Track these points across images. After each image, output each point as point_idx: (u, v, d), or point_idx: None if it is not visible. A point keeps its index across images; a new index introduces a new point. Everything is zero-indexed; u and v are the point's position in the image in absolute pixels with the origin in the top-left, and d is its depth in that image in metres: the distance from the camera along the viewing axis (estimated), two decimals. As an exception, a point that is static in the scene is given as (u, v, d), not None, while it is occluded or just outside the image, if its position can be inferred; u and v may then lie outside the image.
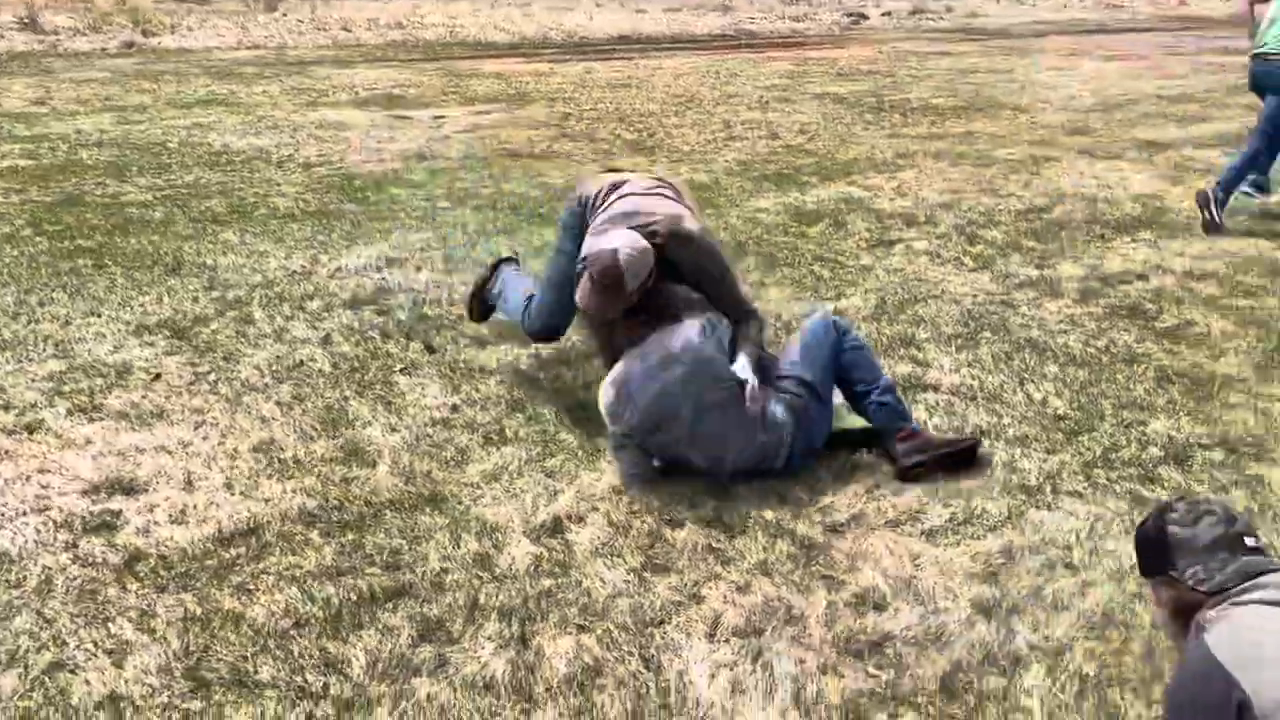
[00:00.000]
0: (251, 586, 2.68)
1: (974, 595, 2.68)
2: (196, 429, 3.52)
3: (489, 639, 2.50)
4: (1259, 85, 6.20)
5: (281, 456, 3.33)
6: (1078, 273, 5.25)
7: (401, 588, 2.68)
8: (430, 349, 4.17)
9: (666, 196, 3.51)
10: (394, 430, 3.51)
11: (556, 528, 2.96)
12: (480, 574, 2.75)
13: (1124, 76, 13.34)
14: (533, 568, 2.78)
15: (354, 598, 2.63)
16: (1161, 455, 3.39)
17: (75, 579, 2.70)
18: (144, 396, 3.74)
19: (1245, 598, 1.86)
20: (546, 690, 2.35)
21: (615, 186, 3.52)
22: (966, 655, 2.46)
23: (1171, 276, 5.22)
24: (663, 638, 2.52)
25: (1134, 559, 2.16)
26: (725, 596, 2.67)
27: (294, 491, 3.12)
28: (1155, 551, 2.01)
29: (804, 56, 15.47)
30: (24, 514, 2.99)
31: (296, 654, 2.44)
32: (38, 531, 2.90)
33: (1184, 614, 1.94)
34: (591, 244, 3.29)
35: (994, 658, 2.45)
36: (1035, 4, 25.56)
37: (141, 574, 2.72)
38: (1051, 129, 9.47)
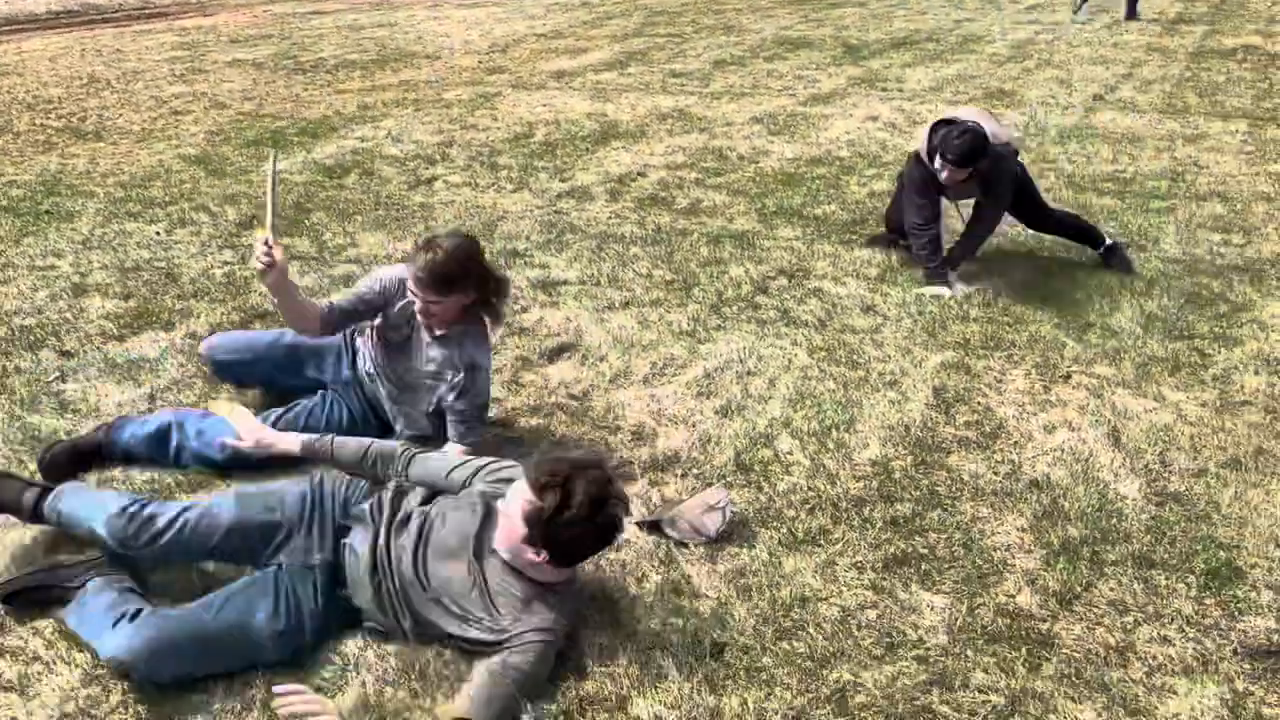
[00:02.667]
0: None
1: (710, 408, 3.44)
2: None
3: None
4: None
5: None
6: (594, 179, 6.20)
7: None
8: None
9: None
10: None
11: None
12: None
13: (496, 21, 14.77)
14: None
15: None
16: (751, 289, 4.44)
17: None
18: None
19: None
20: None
21: None
22: (736, 446, 3.21)
23: (661, 170, 6.39)
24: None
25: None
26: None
27: None
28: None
29: (180, 26, 14.69)
30: None
31: None
32: None
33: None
34: None
35: (755, 440, 3.24)
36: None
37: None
38: (473, 70, 10.40)
